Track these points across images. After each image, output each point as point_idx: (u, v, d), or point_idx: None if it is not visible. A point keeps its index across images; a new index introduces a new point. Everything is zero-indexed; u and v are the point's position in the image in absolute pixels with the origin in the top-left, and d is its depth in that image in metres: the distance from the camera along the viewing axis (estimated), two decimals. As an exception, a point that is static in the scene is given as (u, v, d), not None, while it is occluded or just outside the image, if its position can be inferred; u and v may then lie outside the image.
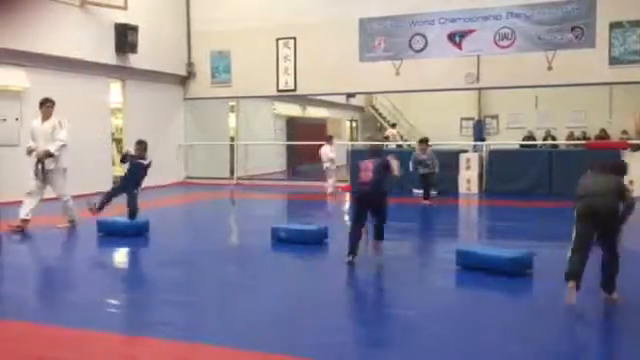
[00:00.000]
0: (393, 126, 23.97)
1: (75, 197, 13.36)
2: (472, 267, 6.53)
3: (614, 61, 13.88)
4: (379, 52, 15.61)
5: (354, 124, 30.38)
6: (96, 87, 15.08)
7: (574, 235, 5.34)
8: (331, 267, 7.53)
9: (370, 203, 7.20)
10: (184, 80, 18.24)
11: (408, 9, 15.21)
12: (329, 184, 15.14)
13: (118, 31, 15.14)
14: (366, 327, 5.02)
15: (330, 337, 4.67)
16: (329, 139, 15.64)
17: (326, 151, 15.12)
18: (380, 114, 28.24)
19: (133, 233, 8.75)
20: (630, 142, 14.53)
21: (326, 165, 15.10)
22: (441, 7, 14.92)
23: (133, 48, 15.38)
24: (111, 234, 8.79)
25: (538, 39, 14.22)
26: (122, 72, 15.81)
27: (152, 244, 8.66)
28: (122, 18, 15.06)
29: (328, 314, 5.28)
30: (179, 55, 17.87)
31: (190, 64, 18.10)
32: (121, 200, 9.24)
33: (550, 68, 14.22)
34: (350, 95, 25.12)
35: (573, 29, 13.94)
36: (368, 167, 7.14)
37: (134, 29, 15.33)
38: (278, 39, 16.86)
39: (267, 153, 21.79)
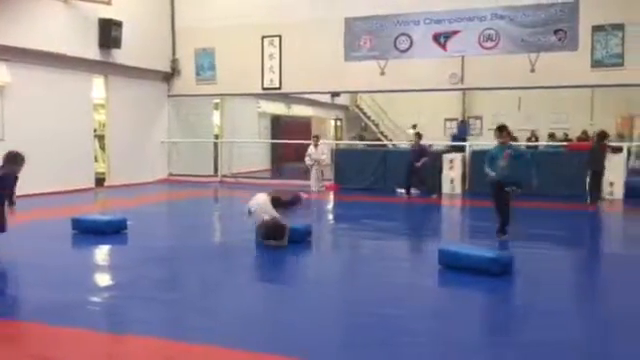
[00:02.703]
0: (414, 127, 23.78)
1: (55, 194, 13.35)
2: (454, 266, 6.58)
3: (596, 64, 14.05)
4: (364, 51, 15.63)
5: (339, 123, 30.42)
6: (79, 82, 14.94)
7: None
8: (315, 265, 7.55)
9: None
10: (168, 77, 18.13)
11: (393, 9, 15.25)
12: (312, 183, 15.24)
13: (102, 26, 15.00)
14: (350, 326, 5.03)
15: (313, 336, 4.67)
16: (313, 139, 15.81)
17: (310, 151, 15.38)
18: (365, 113, 28.30)
19: (110, 231, 8.67)
20: (610, 144, 14.67)
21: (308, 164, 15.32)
22: (426, 7, 14.97)
23: (117, 43, 15.25)
24: (86, 232, 8.70)
25: (522, 41, 14.33)
26: (105, 68, 15.68)
27: (133, 242, 8.59)
28: (106, 13, 14.94)
29: (312, 313, 5.28)
30: (163, 51, 17.75)
31: (174, 61, 17.99)
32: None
33: (533, 70, 14.34)
34: (335, 94, 25.14)
35: (556, 32, 14.07)
36: None
37: (118, 24, 15.20)
38: (263, 37, 16.82)
39: (252, 151, 21.76)
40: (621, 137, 18.88)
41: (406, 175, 14.14)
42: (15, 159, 7.11)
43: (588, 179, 12.36)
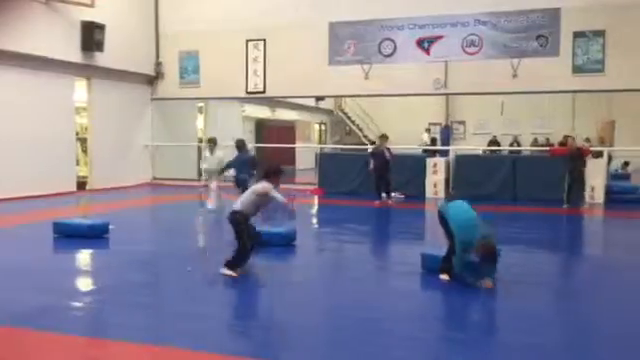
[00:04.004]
0: (428, 131, 23.78)
1: (36, 197, 13.19)
2: (437, 270, 6.60)
3: (577, 70, 14.22)
4: (348, 56, 15.69)
5: (323, 127, 30.47)
6: (61, 85, 14.81)
7: None
8: (298, 269, 7.54)
9: None
10: (152, 80, 18.03)
11: (378, 14, 15.33)
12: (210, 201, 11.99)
13: (84, 29, 14.89)
14: (333, 329, 5.03)
15: (295, 339, 4.67)
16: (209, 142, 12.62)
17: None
18: (349, 118, 28.38)
19: (92, 235, 8.59)
20: (592, 148, 14.89)
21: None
22: (410, 13, 15.07)
23: (99, 46, 15.14)
24: (68, 236, 8.61)
25: (504, 47, 14.49)
26: (88, 70, 15.56)
27: (115, 246, 8.52)
28: (89, 16, 14.82)
29: (294, 317, 5.28)
30: (147, 55, 17.65)
31: (158, 64, 17.89)
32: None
33: (515, 75, 14.49)
34: (319, 98, 25.19)
35: (538, 37, 14.24)
36: None
37: (101, 27, 15.09)
38: (248, 40, 16.80)
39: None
40: (602, 142, 19.13)
41: (378, 180, 13.60)
42: (244, 143, 11.48)
43: (567, 183, 12.70)
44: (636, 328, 5.04)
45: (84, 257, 7.93)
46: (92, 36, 14.91)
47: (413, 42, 15.11)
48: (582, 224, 11.87)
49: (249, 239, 6.60)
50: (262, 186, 6.65)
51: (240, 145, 11.35)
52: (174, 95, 17.95)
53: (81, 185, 15.67)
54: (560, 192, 13.00)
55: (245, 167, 11.08)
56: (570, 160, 12.69)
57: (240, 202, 6.71)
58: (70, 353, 4.40)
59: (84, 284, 6.66)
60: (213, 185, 11.80)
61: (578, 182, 12.70)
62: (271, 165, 6.99)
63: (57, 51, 14.29)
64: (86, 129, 16.43)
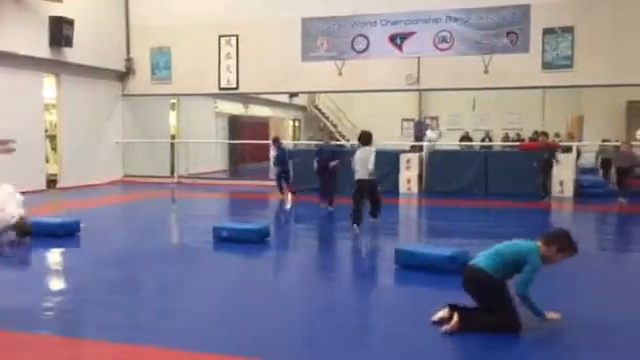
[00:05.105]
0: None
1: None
2: (411, 265, 6.66)
3: (547, 66, 14.46)
4: (322, 52, 15.69)
5: (297, 123, 30.41)
6: (28, 81, 14.51)
7: None
8: (273, 266, 7.53)
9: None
10: (122, 76, 17.79)
11: (351, 10, 15.36)
12: None
13: (53, 24, 14.61)
14: (308, 326, 5.04)
15: (274, 337, 4.66)
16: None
17: None
18: (323, 114, 28.37)
19: (63, 234, 8.45)
20: (561, 143, 15.15)
21: None
22: (383, 9, 15.14)
23: (68, 42, 14.87)
24: (38, 235, 8.44)
25: (475, 43, 14.64)
26: (56, 66, 15.27)
27: (87, 245, 8.41)
28: (57, 11, 14.54)
29: (270, 313, 5.27)
30: (117, 50, 17.40)
31: (129, 60, 17.65)
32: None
33: (486, 71, 14.65)
34: (293, 94, 25.13)
35: (508, 34, 14.43)
36: None
37: (70, 22, 14.83)
38: (220, 36, 16.69)
39: (209, 152, 21.56)
40: (571, 137, 19.45)
41: (320, 182, 12.20)
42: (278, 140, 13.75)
43: (541, 177, 13.23)
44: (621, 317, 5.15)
45: (55, 256, 7.80)
46: (61, 31, 14.63)
47: (386, 38, 15.18)
48: (552, 217, 12.08)
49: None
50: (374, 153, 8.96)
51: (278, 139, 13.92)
52: (145, 91, 17.73)
53: (51, 183, 15.40)
54: (530, 186, 13.26)
55: (287, 160, 13.50)
56: (541, 155, 13.12)
57: (366, 171, 8.95)
58: (42, 354, 4.32)
59: (56, 284, 6.55)
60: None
61: (546, 175, 13.19)
62: (365, 133, 9.39)
63: (25, 47, 13.98)
64: (55, 126, 16.14)
